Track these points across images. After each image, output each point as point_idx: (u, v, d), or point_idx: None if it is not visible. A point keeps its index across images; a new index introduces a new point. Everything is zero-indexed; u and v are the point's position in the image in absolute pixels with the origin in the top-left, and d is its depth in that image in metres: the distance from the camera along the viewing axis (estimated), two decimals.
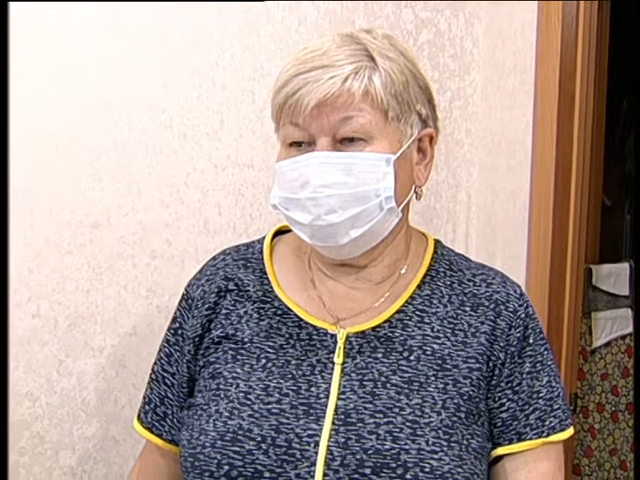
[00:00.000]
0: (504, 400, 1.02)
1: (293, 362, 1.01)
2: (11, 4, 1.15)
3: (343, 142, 0.97)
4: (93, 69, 1.29)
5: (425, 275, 1.06)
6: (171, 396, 1.09)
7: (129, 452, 1.37)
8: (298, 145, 0.99)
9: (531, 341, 1.04)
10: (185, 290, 1.12)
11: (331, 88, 0.95)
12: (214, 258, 1.13)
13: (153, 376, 1.12)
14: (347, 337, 1.01)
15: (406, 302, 1.04)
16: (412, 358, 1.00)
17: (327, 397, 0.97)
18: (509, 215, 1.79)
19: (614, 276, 2.60)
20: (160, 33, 1.36)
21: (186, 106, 1.39)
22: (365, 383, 0.98)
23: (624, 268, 2.67)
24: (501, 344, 1.02)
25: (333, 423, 0.95)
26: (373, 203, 0.97)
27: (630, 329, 2.63)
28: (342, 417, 0.96)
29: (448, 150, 1.78)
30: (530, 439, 1.02)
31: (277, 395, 0.98)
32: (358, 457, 0.93)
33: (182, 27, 1.38)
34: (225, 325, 1.05)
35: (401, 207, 1.01)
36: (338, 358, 1.00)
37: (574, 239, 1.76)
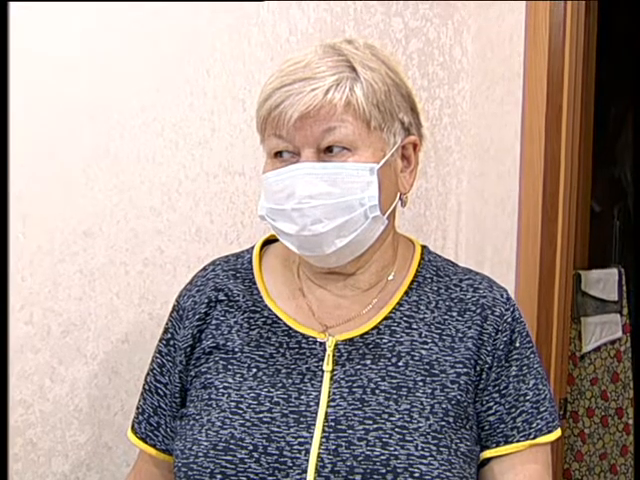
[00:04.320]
0: (491, 403, 1.03)
1: (283, 371, 1.01)
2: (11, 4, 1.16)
3: (327, 153, 0.98)
4: (84, 77, 1.30)
5: (412, 281, 1.07)
6: (164, 406, 1.10)
7: (122, 459, 1.38)
8: (283, 156, 1.00)
9: (517, 345, 1.05)
10: (176, 301, 1.13)
11: (313, 100, 0.96)
12: (204, 269, 1.14)
13: (146, 386, 1.12)
14: (336, 345, 1.02)
15: (394, 309, 1.05)
16: (400, 364, 1.01)
17: (317, 405, 0.98)
18: (498, 221, 1.80)
19: (603, 281, 2.61)
20: (152, 42, 1.37)
21: (178, 114, 1.41)
22: (354, 390, 0.99)
23: (613, 273, 2.67)
24: (488, 348, 1.03)
25: (323, 430, 0.96)
26: (358, 212, 0.98)
27: (619, 334, 2.64)
28: (332, 424, 0.97)
29: (438, 157, 1.79)
30: (517, 441, 1.03)
31: (268, 404, 0.99)
32: (348, 464, 0.94)
33: (173, 36, 1.39)
34: (216, 335, 1.06)
35: (386, 215, 1.02)
36: (327, 366, 1.01)
37: (563, 245, 1.77)
